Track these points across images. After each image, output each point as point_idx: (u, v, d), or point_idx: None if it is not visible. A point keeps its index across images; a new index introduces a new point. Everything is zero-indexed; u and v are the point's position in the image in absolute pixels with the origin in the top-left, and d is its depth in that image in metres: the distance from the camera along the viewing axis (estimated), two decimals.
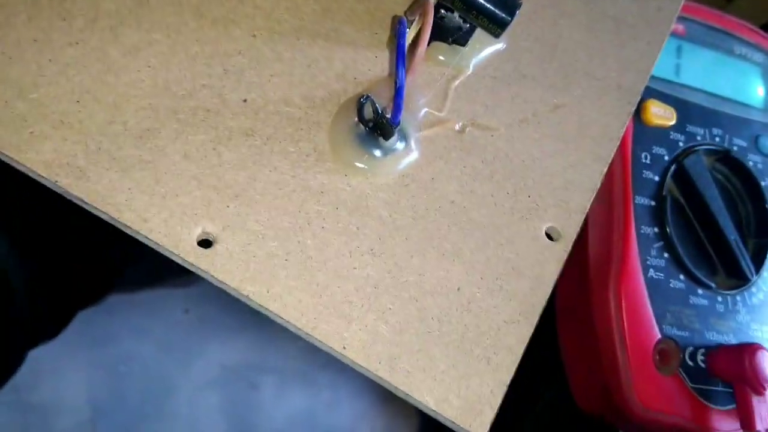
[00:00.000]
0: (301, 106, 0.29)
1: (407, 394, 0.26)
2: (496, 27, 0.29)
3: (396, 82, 0.27)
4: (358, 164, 0.29)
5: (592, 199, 0.31)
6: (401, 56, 0.27)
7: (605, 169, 0.32)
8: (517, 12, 0.29)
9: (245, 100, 0.28)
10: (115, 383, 0.65)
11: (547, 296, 0.29)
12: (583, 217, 0.31)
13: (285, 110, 0.29)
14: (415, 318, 0.27)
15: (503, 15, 0.28)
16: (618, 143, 0.33)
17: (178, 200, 0.26)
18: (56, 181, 0.25)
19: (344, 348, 0.26)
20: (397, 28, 0.28)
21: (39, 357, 0.49)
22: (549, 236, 0.30)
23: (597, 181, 0.32)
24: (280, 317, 0.25)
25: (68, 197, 0.25)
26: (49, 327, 0.47)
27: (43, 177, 0.25)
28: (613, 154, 0.32)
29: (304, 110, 0.29)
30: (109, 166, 0.26)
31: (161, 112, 0.27)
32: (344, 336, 0.26)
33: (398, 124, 0.28)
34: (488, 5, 0.28)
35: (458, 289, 0.28)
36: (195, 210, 0.26)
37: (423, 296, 0.27)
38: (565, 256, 0.30)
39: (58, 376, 0.64)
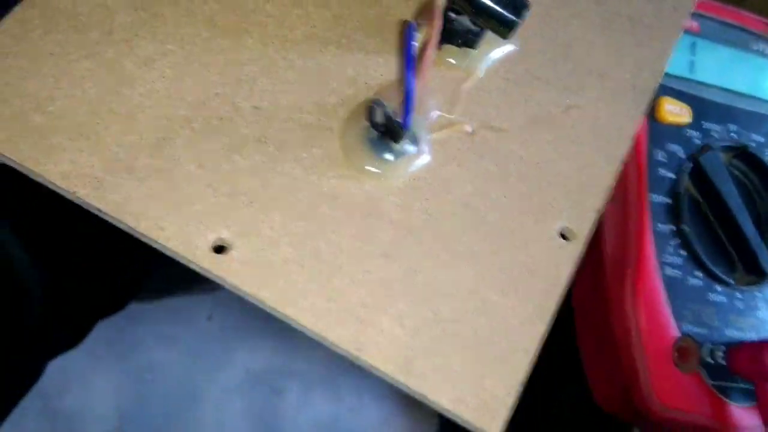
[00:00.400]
0: (313, 112, 0.29)
1: (423, 396, 0.26)
2: (504, 29, 0.29)
3: (405, 86, 0.27)
4: (370, 168, 0.29)
5: (606, 199, 0.31)
6: (410, 60, 0.27)
7: (619, 169, 0.32)
8: (525, 13, 0.29)
9: (258, 108, 0.29)
10: (142, 390, 0.66)
11: (562, 296, 0.29)
12: (597, 216, 0.31)
13: (297, 117, 0.29)
14: (429, 320, 0.27)
15: (511, 17, 0.28)
16: (632, 143, 0.33)
17: (194, 208, 0.27)
18: (74, 192, 0.25)
19: (359, 351, 0.26)
20: (406, 33, 0.28)
21: (66, 365, 0.50)
22: (563, 236, 0.30)
23: (611, 181, 0.31)
24: (295, 322, 0.26)
25: (86, 207, 0.26)
26: (68, 337, 0.47)
27: (61, 188, 0.26)
28: (626, 154, 0.32)
29: (315, 116, 0.29)
30: (126, 176, 0.26)
31: (176, 122, 0.28)
32: (359, 339, 0.26)
33: (408, 127, 0.28)
34: (495, 7, 0.28)
35: (472, 290, 0.28)
36: (210, 217, 0.26)
37: (437, 298, 0.27)
38: (579, 256, 0.30)
39: (85, 383, 0.65)
